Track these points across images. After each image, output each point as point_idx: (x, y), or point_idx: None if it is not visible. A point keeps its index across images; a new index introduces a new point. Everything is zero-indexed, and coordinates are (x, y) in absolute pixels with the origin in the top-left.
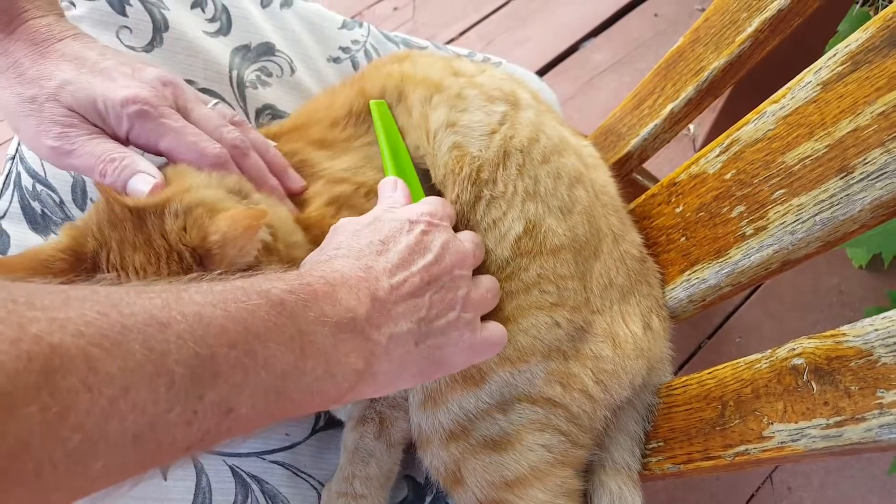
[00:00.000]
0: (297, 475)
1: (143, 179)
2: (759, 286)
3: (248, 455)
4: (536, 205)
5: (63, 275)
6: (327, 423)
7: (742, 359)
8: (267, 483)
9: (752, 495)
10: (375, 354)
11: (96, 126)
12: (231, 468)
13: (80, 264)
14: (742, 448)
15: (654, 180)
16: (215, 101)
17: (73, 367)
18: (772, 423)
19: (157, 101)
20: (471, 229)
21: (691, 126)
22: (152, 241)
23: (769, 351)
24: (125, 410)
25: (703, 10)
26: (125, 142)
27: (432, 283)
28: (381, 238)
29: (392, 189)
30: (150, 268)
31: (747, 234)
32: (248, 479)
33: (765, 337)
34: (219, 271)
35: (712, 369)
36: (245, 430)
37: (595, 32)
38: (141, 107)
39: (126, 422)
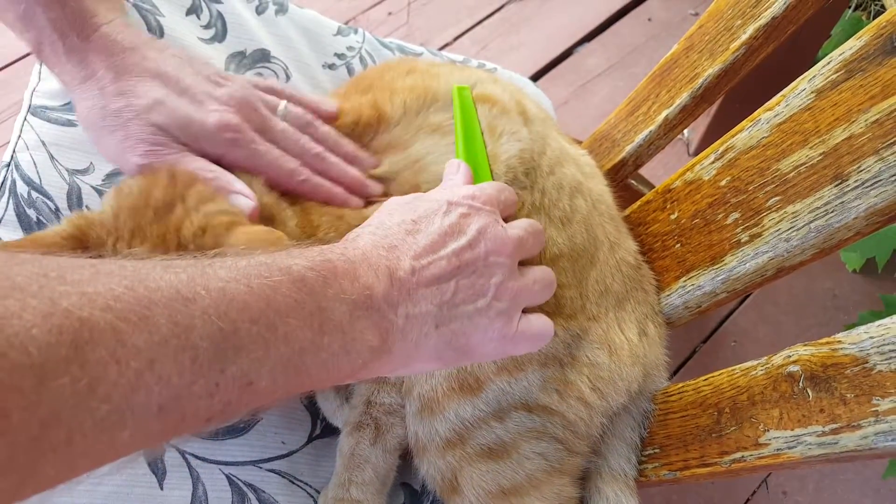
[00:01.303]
0: (294, 483)
1: (240, 200)
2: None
3: (244, 464)
4: (540, 216)
5: None
6: (324, 431)
7: (738, 365)
8: (263, 492)
9: (748, 499)
10: (391, 333)
11: (185, 144)
12: (227, 477)
13: (82, 252)
14: (738, 455)
15: (649, 185)
16: (283, 102)
17: (102, 340)
18: (768, 430)
19: (244, 125)
20: None
21: (685, 131)
22: (166, 235)
23: (765, 358)
24: (151, 382)
25: (697, 14)
26: (212, 160)
27: (462, 268)
28: (415, 217)
29: (454, 171)
30: None
31: (742, 241)
32: (245, 488)
33: (760, 340)
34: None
35: (708, 376)
36: (263, 402)
37: (589, 37)
38: (234, 135)
39: (152, 393)
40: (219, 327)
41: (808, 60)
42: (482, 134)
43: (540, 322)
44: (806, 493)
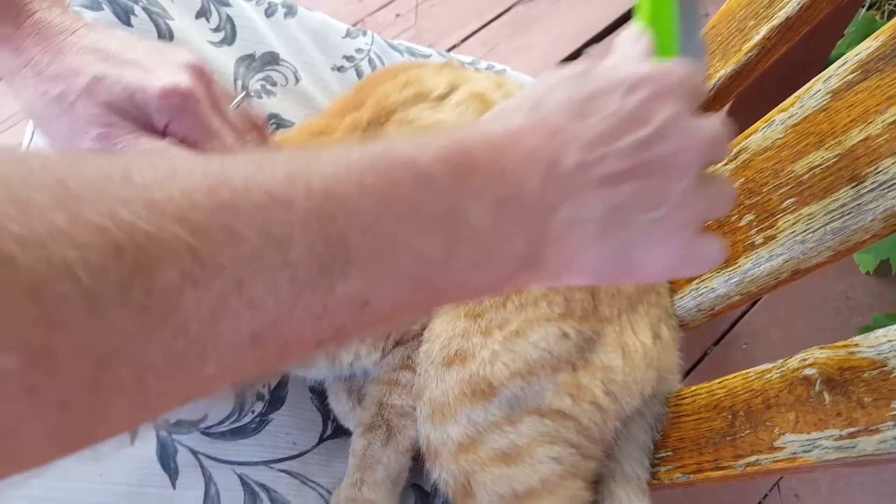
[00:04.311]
0: (305, 483)
1: None
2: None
3: (256, 464)
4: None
5: None
6: (335, 432)
7: (752, 368)
8: (275, 492)
9: (759, 502)
10: (545, 241)
11: (135, 121)
12: (240, 477)
13: None
14: (753, 458)
15: None
16: (242, 93)
17: (174, 258)
18: (783, 434)
19: (195, 93)
20: None
21: None
22: None
23: (780, 361)
24: (239, 308)
25: (708, 15)
26: (162, 134)
27: (643, 166)
28: (585, 96)
29: (632, 41)
30: None
31: (756, 243)
32: (257, 488)
33: (772, 343)
34: None
35: (722, 379)
36: (387, 322)
37: (597, 39)
38: (181, 100)
39: (241, 321)
40: (324, 237)
41: (820, 61)
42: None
43: (714, 245)
44: (819, 496)
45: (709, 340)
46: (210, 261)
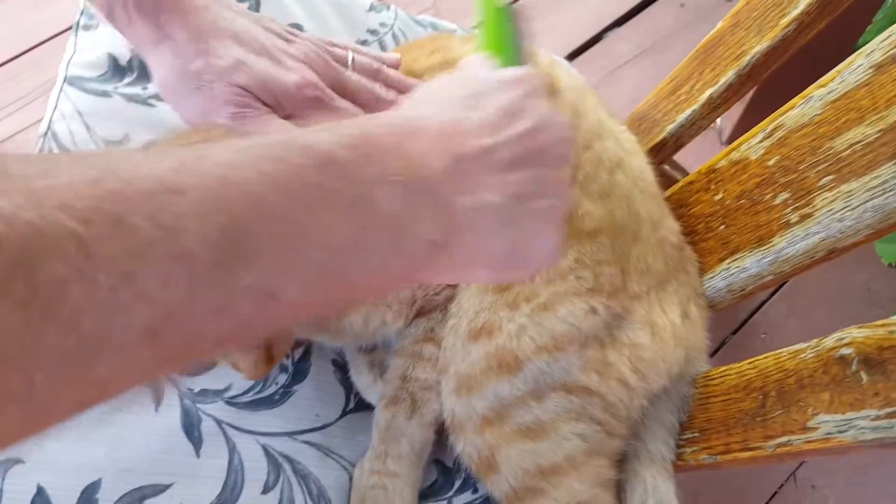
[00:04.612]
0: (328, 455)
1: None
2: (785, 281)
3: (279, 434)
4: (574, 191)
5: None
6: (357, 406)
7: (785, 348)
8: (299, 463)
9: (775, 492)
10: (452, 225)
11: (265, 104)
12: (263, 448)
13: None
14: (784, 439)
15: (683, 171)
16: (350, 52)
17: (59, 250)
18: (817, 414)
19: (322, 83)
20: None
21: (718, 119)
22: None
23: (815, 340)
24: (131, 302)
25: (731, 0)
26: (286, 117)
27: (531, 155)
28: (469, 93)
29: (479, 62)
30: None
31: (792, 221)
32: (280, 459)
33: (790, 333)
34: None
35: (753, 359)
36: (295, 317)
37: (619, 22)
38: (314, 92)
39: (134, 316)
40: (219, 228)
41: (847, 48)
42: (515, 28)
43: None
44: (835, 486)
45: (727, 329)
46: (97, 252)
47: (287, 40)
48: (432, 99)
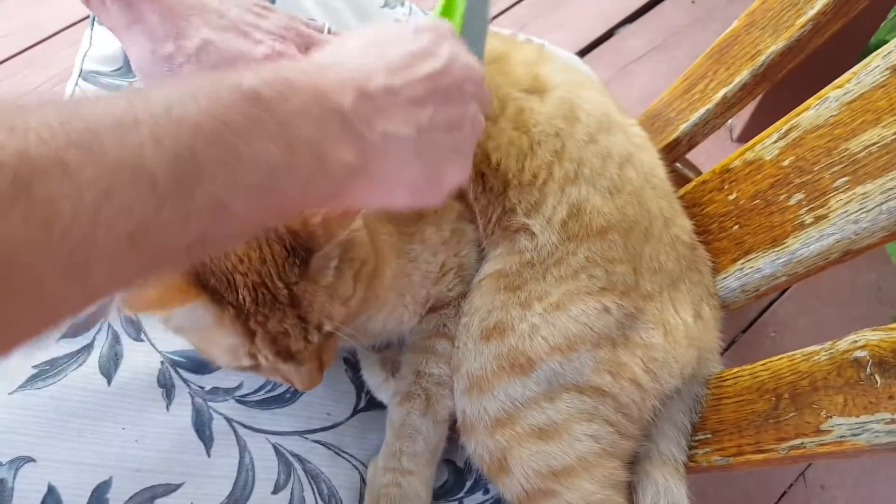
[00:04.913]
0: (339, 455)
1: None
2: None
3: (290, 434)
4: (580, 187)
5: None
6: (368, 405)
7: (798, 350)
8: (309, 462)
9: (784, 493)
10: (368, 151)
11: None
12: (274, 447)
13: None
14: (797, 442)
15: (696, 170)
16: (326, 24)
17: (46, 175)
18: (830, 417)
19: (293, 52)
20: (507, 213)
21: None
22: None
23: (829, 343)
24: (113, 215)
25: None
26: None
27: (439, 93)
28: (381, 39)
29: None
30: (252, 254)
31: (806, 222)
32: (291, 458)
33: (800, 333)
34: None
35: (766, 361)
36: (243, 229)
37: (631, 18)
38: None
39: (116, 227)
40: (173, 150)
41: (859, 47)
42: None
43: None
44: (844, 487)
45: (736, 328)
46: (78, 175)
47: (259, 15)
48: (347, 46)
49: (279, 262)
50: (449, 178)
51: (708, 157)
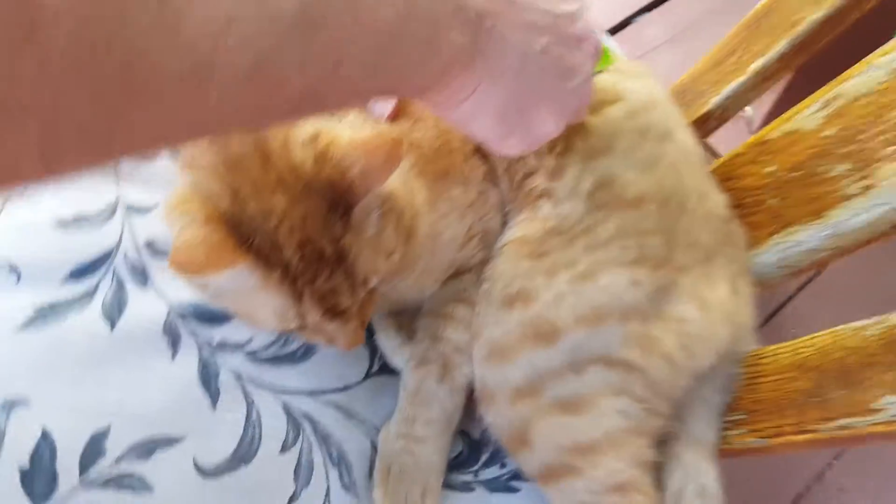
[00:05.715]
0: (350, 418)
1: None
2: (814, 276)
3: (300, 393)
4: (610, 160)
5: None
6: (381, 369)
7: (844, 325)
8: (319, 423)
9: (801, 494)
10: (479, 37)
11: None
12: (284, 405)
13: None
14: (845, 421)
15: (715, 155)
16: None
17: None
18: (883, 395)
19: None
20: (529, 176)
21: (748, 108)
22: (284, 179)
23: (880, 317)
24: (234, 43)
25: None
26: None
27: (560, 33)
28: None
29: None
30: (294, 212)
31: (852, 193)
32: (301, 418)
33: (820, 329)
34: None
35: (809, 336)
36: (350, 95)
37: (649, 7)
38: None
39: (236, 53)
40: None
41: (886, 33)
42: None
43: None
44: (865, 491)
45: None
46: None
47: None
48: None
49: (321, 216)
50: (540, 123)
51: (727, 148)
